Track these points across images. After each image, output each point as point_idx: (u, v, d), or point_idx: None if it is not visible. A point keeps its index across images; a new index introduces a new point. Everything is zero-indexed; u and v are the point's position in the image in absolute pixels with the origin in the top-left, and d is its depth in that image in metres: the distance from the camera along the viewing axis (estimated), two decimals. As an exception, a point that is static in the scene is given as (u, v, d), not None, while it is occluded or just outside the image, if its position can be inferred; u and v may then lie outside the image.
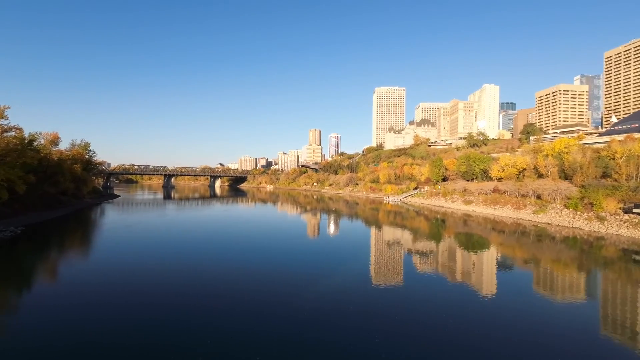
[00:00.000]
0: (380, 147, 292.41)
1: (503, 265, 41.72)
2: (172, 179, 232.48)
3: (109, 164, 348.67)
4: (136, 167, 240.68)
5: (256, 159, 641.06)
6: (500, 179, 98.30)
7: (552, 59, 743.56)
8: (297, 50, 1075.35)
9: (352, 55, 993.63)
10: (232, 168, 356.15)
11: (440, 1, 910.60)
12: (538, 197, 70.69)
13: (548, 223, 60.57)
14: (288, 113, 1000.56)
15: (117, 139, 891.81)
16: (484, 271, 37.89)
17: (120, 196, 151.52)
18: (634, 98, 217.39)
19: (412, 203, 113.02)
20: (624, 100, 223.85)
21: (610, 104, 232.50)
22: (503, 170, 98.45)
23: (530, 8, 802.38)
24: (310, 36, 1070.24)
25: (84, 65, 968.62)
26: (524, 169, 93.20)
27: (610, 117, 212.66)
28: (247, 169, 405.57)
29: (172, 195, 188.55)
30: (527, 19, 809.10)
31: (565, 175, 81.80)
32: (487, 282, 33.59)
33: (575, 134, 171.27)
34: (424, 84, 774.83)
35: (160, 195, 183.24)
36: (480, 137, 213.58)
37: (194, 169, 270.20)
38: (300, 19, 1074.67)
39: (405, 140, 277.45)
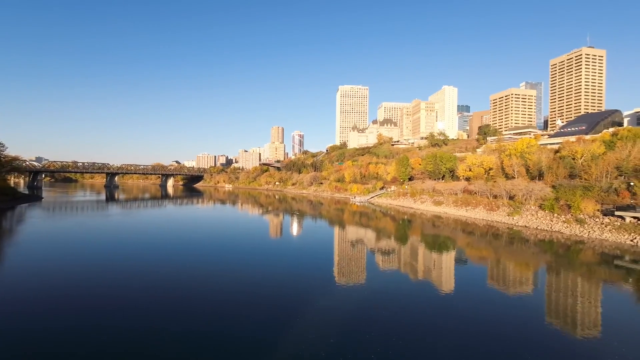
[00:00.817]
0: (344, 145, 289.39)
1: (469, 268, 40.86)
2: (116, 178, 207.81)
3: (46, 160, 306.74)
4: (79, 164, 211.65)
5: (215, 156, 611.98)
6: (467, 179, 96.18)
7: (501, 65, 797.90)
8: (261, 47, 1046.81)
9: (316, 53, 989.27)
10: (188, 166, 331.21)
11: (401, 5, 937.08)
12: (510, 197, 68.06)
13: (525, 226, 56.89)
14: (250, 110, 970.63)
15: (60, 134, 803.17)
16: (448, 273, 37.30)
17: (44, 198, 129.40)
18: (575, 103, 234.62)
19: (380, 204, 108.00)
20: (566, 105, 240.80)
21: (555, 108, 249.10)
22: (470, 169, 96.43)
23: (484, 14, 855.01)
24: (274, 33, 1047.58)
25: (26, 52, 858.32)
26: (491, 169, 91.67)
27: (556, 120, 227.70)
28: (205, 167, 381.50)
29: (116, 196, 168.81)
30: (480, 25, 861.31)
31: (531, 175, 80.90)
32: (449, 282, 33.64)
33: (528, 135, 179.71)
34: (386, 84, 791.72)
35: (102, 196, 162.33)
36: (441, 137, 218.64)
37: (145, 166, 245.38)
38: (263, 16, 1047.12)
39: (368, 139, 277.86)
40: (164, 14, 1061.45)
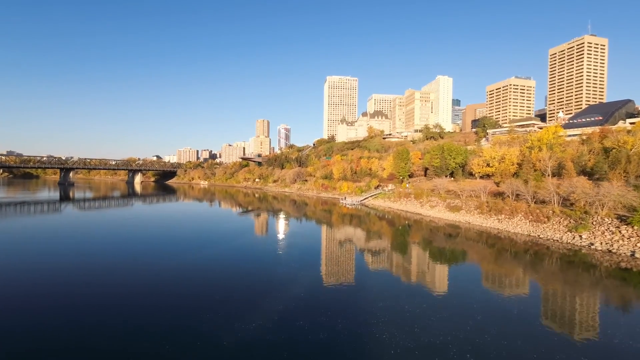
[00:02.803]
0: (332, 139, 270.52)
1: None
2: (71, 174, 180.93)
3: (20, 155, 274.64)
4: (25, 158, 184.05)
5: (197, 151, 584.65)
6: (485, 176, 77.89)
7: (493, 58, 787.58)
8: (245, 36, 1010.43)
9: (303, 44, 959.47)
10: (170, 161, 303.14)
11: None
12: (561, 202, 49.57)
13: (609, 250, 38.45)
14: (236, 103, 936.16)
15: (39, 129, 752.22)
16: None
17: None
18: (576, 94, 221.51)
19: (376, 206, 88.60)
20: (566, 96, 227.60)
21: (554, 99, 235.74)
22: (488, 164, 77.90)
23: (475, 5, 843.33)
24: (258, 22, 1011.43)
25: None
26: (516, 164, 73.34)
27: (558, 112, 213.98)
28: (187, 162, 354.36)
29: (71, 195, 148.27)
30: (472, 16, 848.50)
31: (558, 172, 62.95)
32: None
33: (532, 128, 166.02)
34: (375, 76, 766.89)
35: (55, 194, 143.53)
36: (437, 130, 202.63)
37: (107, 161, 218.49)
38: (247, 5, 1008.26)
39: (358, 132, 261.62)
40: (146, 12, 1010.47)
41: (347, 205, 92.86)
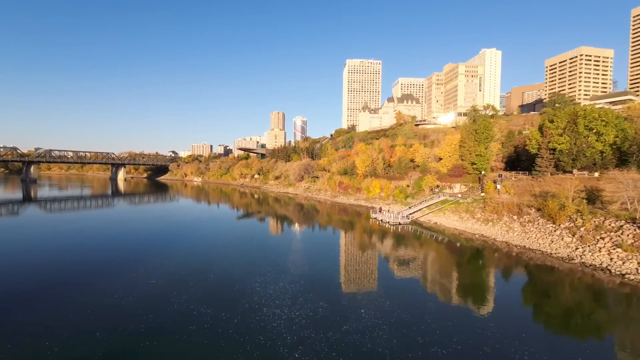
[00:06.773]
0: (352, 129, 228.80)
1: None
2: (32, 169, 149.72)
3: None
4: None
5: (211, 145, 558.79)
6: None
7: (532, 38, 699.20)
8: (260, 21, 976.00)
9: (320, 26, 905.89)
10: (162, 154, 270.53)
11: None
12: None
13: None
14: (253, 97, 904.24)
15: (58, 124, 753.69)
16: None
17: None
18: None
19: (443, 228, 47.02)
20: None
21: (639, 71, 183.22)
22: None
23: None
24: (275, 13, 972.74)
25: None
26: None
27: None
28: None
29: (33, 194, 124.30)
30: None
31: None
32: None
33: (627, 104, 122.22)
34: (401, 59, 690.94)
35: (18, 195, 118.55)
36: (489, 112, 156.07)
37: (79, 153, 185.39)
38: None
39: (383, 120, 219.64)
40: (164, 6, 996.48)
41: (387, 223, 51.61)
